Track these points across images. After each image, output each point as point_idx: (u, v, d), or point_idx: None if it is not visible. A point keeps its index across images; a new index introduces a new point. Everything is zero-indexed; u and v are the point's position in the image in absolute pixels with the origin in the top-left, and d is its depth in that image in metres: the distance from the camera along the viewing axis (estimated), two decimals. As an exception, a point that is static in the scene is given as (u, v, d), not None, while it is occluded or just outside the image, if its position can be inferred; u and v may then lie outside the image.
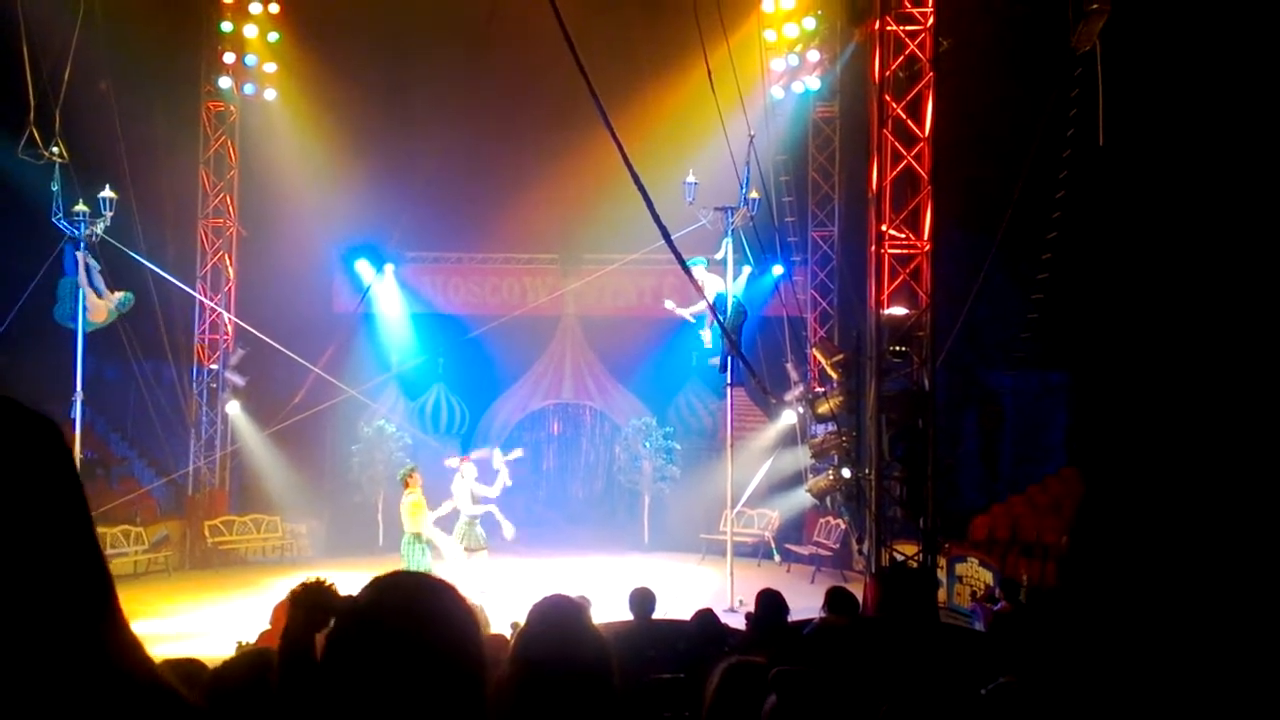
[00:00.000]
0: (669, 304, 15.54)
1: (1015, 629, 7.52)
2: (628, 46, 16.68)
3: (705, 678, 2.88)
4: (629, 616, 7.07)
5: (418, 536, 12.22)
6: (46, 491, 1.08)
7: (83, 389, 13.68)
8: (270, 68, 18.87)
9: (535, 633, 2.33)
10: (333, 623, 1.40)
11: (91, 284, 13.66)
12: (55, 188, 13.10)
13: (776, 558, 17.90)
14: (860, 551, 12.19)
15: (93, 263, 13.62)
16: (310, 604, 1.43)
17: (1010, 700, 2.33)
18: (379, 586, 1.45)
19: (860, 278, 12.54)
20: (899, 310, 11.44)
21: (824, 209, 19.51)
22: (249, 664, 2.37)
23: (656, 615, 7.23)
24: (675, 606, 9.84)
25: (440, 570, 12.46)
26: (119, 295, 13.93)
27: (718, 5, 10.62)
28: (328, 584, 1.45)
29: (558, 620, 2.35)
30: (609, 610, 7.76)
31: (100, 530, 14.60)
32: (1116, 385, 14.68)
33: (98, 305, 13.67)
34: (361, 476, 19.73)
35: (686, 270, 10.95)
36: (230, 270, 19.14)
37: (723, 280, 14.24)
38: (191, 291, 17.71)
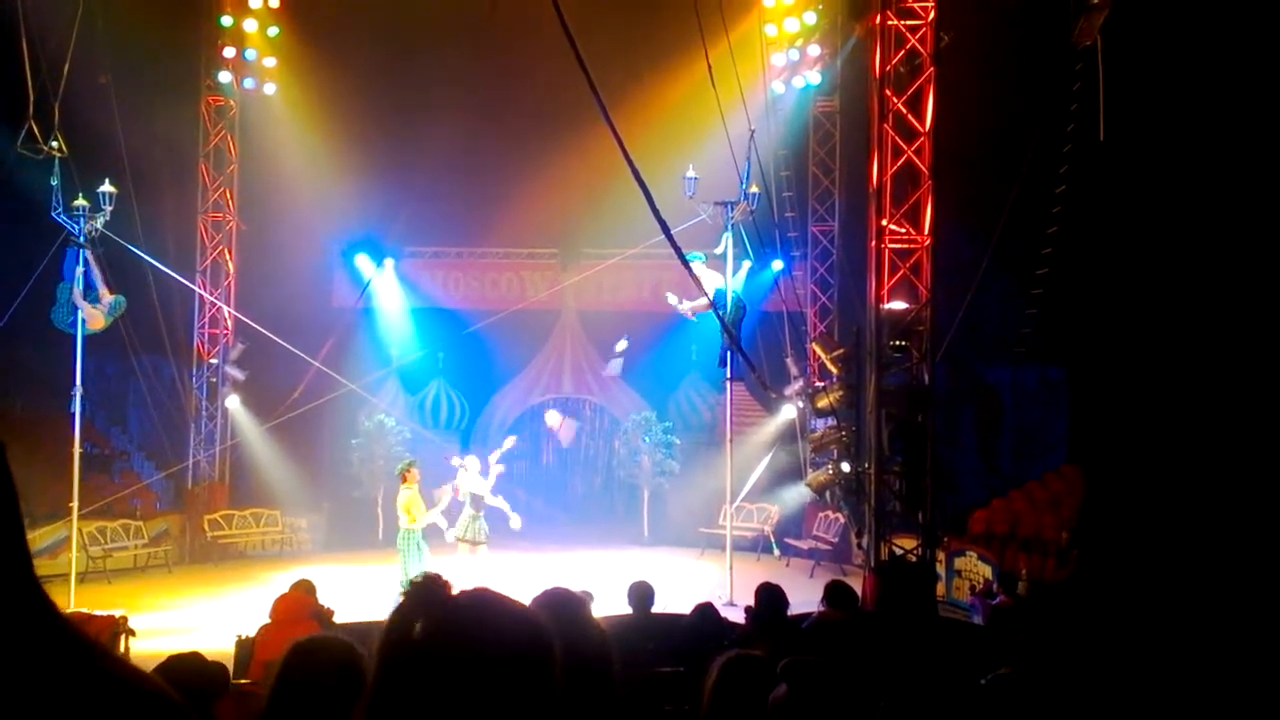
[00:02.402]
0: (671, 298, 15.43)
1: (1014, 623, 7.54)
2: (628, 41, 16.64)
3: (704, 671, 2.89)
4: (628, 610, 7.08)
5: (412, 531, 12.21)
6: None
7: (83, 383, 13.69)
8: (270, 62, 18.86)
9: (536, 626, 2.33)
10: (431, 617, 1.54)
11: (91, 285, 13.66)
12: (55, 182, 13.06)
13: (776, 552, 17.92)
14: (859, 546, 12.19)
15: (93, 265, 13.59)
16: (424, 593, 1.57)
17: (1009, 690, 2.33)
18: (476, 597, 1.57)
19: (860, 272, 12.55)
20: (899, 305, 11.45)
21: (824, 204, 19.51)
22: (338, 648, 2.45)
23: (656, 609, 7.24)
24: (675, 601, 9.87)
25: (438, 564, 12.49)
26: (110, 299, 13.91)
27: (718, 0, 10.61)
28: (444, 581, 1.58)
29: (558, 613, 2.36)
30: (608, 604, 7.77)
31: (101, 524, 14.59)
32: (1116, 381, 14.69)
33: (94, 314, 13.71)
34: (361, 471, 19.76)
35: (686, 265, 10.95)
36: (230, 264, 19.13)
37: (722, 275, 14.23)
38: (191, 286, 17.71)
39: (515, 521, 13.26)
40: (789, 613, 6.78)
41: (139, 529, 17.02)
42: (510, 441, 14.08)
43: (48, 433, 16.46)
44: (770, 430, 18.90)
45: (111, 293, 13.91)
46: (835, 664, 2.74)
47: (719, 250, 14.23)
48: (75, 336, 13.57)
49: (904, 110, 11.40)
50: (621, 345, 14.21)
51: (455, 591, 1.58)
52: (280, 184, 18.55)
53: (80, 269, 13.48)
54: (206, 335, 18.99)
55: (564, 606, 2.38)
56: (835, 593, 6.89)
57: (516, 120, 19.09)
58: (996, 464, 18.55)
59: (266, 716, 2.44)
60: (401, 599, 1.52)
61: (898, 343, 11.38)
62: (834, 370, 13.59)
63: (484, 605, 1.54)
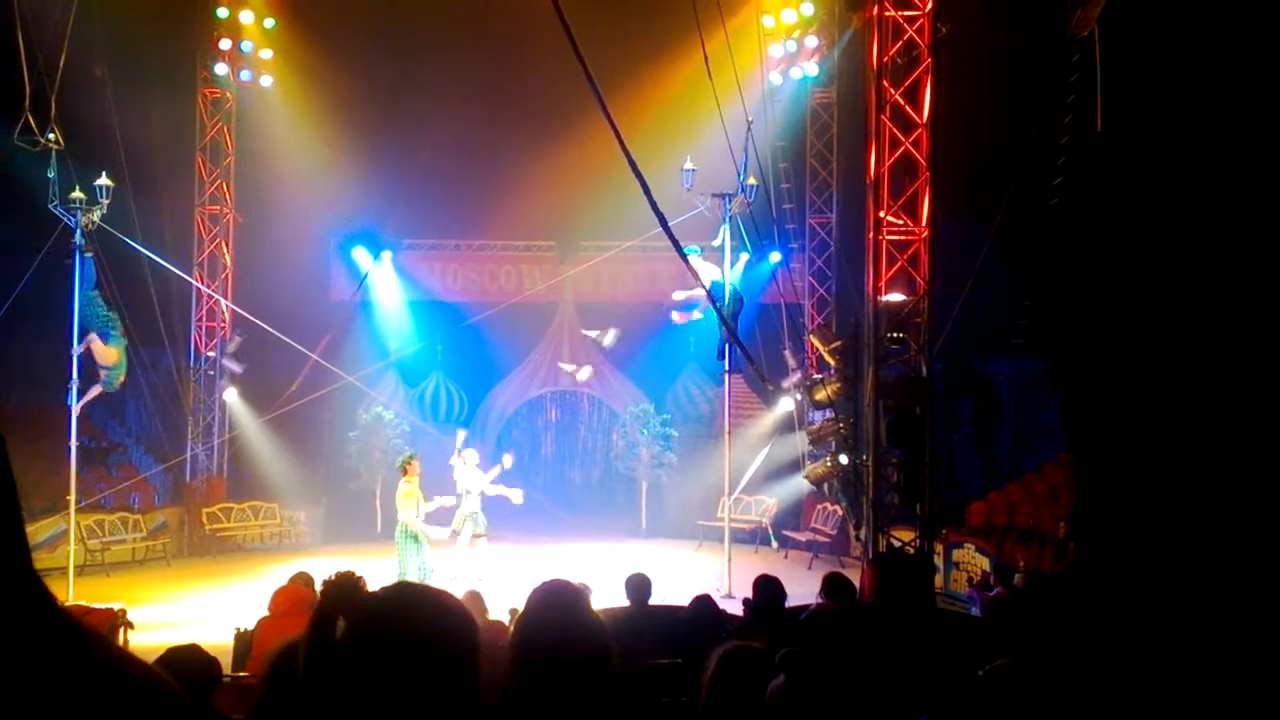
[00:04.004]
0: (679, 296, 15.53)
1: (1012, 615, 7.55)
2: (625, 33, 16.62)
3: (702, 663, 2.89)
4: (626, 603, 7.09)
5: (409, 526, 12.21)
6: None
7: (79, 376, 13.68)
8: (266, 54, 18.82)
9: (534, 618, 2.34)
10: (352, 615, 1.56)
11: (87, 278, 13.72)
12: (51, 175, 13.05)
13: (774, 544, 17.94)
14: (857, 538, 12.21)
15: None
16: (339, 592, 1.60)
17: (1007, 681, 2.34)
18: (395, 591, 1.62)
19: (858, 264, 12.52)
20: (897, 297, 11.43)
21: (822, 195, 19.50)
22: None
23: (654, 602, 7.25)
24: (673, 593, 9.89)
25: (435, 558, 12.50)
26: (111, 367, 14.44)
27: (715, -9, 10.56)
28: (358, 577, 1.62)
29: (557, 605, 2.36)
30: (606, 596, 7.78)
31: (98, 517, 14.60)
32: (1109, 371, 14.68)
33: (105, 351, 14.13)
34: (359, 464, 19.77)
35: (684, 258, 10.94)
36: (227, 257, 19.12)
37: (719, 268, 14.23)
38: (188, 278, 17.70)
39: (517, 496, 13.41)
40: (787, 604, 6.79)
41: (137, 522, 17.03)
42: (508, 460, 14.08)
43: (45, 426, 16.43)
44: (768, 422, 18.90)
45: (115, 355, 14.23)
46: (833, 655, 2.75)
47: (716, 242, 14.23)
48: (72, 328, 13.56)
49: (901, 101, 11.38)
50: (612, 335, 14.27)
51: (375, 588, 1.61)
52: (277, 176, 18.54)
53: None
54: (204, 328, 18.98)
55: (562, 599, 2.38)
56: (833, 584, 6.89)
57: (514, 112, 19.07)
58: (994, 456, 18.57)
59: (258, 711, 2.45)
60: (320, 600, 1.54)
61: (895, 334, 11.37)
62: (832, 362, 13.59)
63: (403, 600, 1.56)
